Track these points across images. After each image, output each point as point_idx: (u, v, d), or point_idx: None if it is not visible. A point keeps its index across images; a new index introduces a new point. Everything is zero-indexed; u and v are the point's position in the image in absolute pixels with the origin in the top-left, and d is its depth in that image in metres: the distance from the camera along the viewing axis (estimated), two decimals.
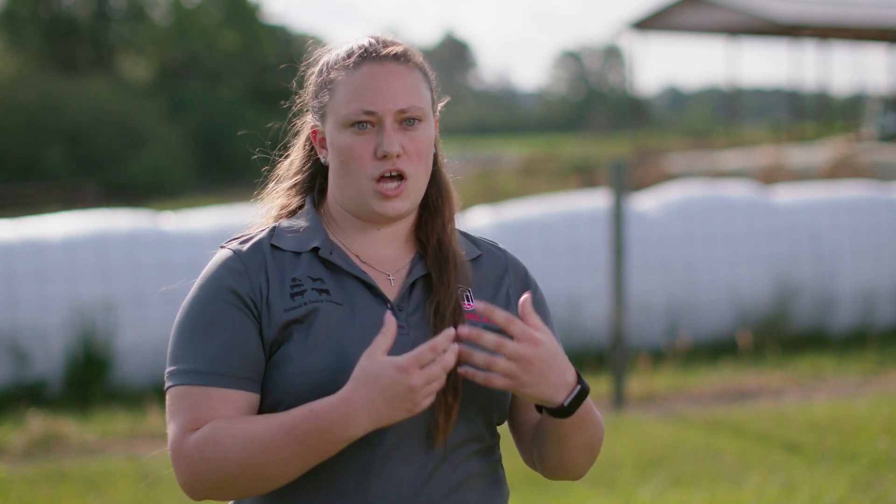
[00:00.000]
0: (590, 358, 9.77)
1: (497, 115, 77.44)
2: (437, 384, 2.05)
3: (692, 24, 35.27)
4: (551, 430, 2.24)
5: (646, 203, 10.70)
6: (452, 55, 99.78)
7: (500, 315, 2.09)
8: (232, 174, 35.73)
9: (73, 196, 29.12)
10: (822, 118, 39.50)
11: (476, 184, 28.38)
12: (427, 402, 2.05)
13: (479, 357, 2.08)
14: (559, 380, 2.14)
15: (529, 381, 2.11)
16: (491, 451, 2.31)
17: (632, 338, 9.62)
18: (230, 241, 2.31)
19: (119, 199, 28.29)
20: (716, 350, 10.07)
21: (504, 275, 2.42)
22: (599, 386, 8.95)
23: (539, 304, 2.39)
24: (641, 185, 18.89)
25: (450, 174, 2.40)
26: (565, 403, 2.16)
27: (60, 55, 46.85)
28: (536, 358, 2.11)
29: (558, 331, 2.44)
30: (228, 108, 41.98)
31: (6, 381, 9.00)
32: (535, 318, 2.14)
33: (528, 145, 46.54)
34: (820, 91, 40.50)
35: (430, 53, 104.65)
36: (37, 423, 8.02)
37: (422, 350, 2.04)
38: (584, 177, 27.23)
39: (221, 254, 2.28)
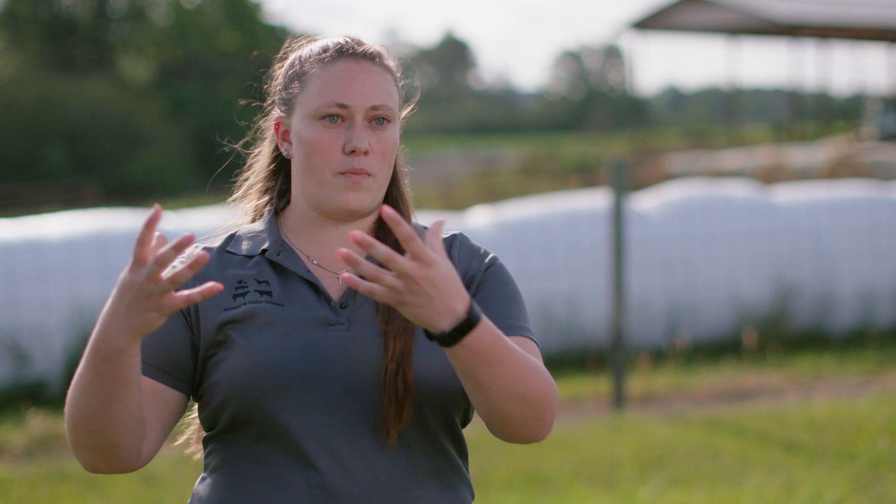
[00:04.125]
0: (590, 358, 9.78)
1: (497, 115, 77.38)
2: (167, 284, 1.95)
3: (692, 24, 35.27)
4: (458, 369, 2.10)
5: (646, 203, 10.70)
6: (452, 55, 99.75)
7: (379, 251, 1.95)
8: (232, 174, 35.65)
9: (73, 196, 29.13)
10: (822, 118, 39.51)
11: (476, 184, 28.38)
12: (177, 300, 1.96)
13: (365, 268, 1.97)
14: (445, 307, 2.01)
15: (412, 301, 1.99)
16: (445, 451, 2.29)
17: (632, 338, 9.62)
18: (192, 245, 2.34)
19: (119, 199, 28.30)
20: (716, 350, 10.08)
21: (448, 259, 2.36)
22: (599, 386, 8.96)
23: (492, 277, 2.34)
24: (641, 185, 18.89)
25: (406, 180, 2.42)
26: (447, 330, 2.02)
27: (60, 55, 46.85)
28: (424, 279, 1.98)
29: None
30: (228, 108, 41.98)
31: (6, 381, 9.00)
32: (437, 243, 2.01)
33: (528, 145, 46.54)
34: (820, 91, 40.50)
35: (430, 53, 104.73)
36: (37, 422, 8.03)
37: (135, 246, 1.97)
38: (584, 177, 27.24)
39: (178, 258, 2.33)
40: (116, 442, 2.15)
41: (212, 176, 2.54)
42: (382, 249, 1.95)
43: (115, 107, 40.54)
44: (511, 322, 2.29)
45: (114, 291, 2.02)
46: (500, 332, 2.11)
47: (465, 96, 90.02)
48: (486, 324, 2.06)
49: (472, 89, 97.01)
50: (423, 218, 9.35)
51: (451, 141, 57.98)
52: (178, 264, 2.31)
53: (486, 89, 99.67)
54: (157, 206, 1.96)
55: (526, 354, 2.17)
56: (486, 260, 2.36)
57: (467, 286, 2.32)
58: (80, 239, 9.40)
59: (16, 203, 28.13)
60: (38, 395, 8.97)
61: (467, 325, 2.03)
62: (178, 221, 10.08)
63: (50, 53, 46.87)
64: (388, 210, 1.96)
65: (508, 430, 2.20)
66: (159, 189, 35.28)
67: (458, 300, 2.02)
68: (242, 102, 2.52)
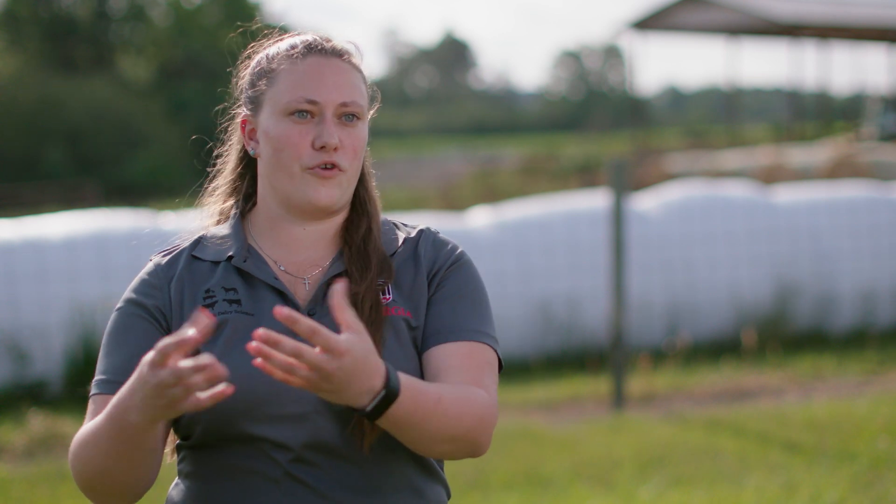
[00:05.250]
0: (590, 358, 9.78)
1: (497, 115, 77.36)
2: (197, 380, 1.92)
3: (692, 24, 35.27)
4: (383, 426, 2.10)
5: (646, 203, 10.70)
6: (452, 55, 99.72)
7: (303, 326, 1.93)
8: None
9: (73, 196, 29.13)
10: (822, 118, 39.49)
11: (476, 184, 28.39)
12: (189, 403, 1.94)
13: (279, 359, 1.94)
14: (363, 387, 2.00)
15: (328, 388, 1.98)
16: (417, 459, 2.28)
17: (632, 338, 9.62)
18: (159, 252, 2.34)
19: (119, 199, 28.30)
20: (716, 350, 10.08)
21: (414, 255, 2.33)
22: (599, 386, 8.96)
23: (455, 275, 2.31)
24: (641, 185, 18.89)
25: (373, 180, 2.39)
26: (368, 409, 2.03)
27: (60, 55, 46.85)
28: (338, 370, 1.96)
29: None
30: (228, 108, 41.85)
31: (6, 381, 9.00)
32: (345, 316, 1.98)
33: (528, 145, 46.54)
34: (820, 91, 40.48)
35: (430, 53, 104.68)
36: (37, 422, 8.03)
37: (164, 343, 1.94)
38: (584, 177, 27.25)
39: (146, 266, 2.32)
40: (143, 487, 2.21)
41: (206, 176, 2.53)
42: (288, 345, 1.94)
43: (115, 107, 40.55)
44: (466, 326, 2.26)
45: (135, 377, 2.01)
46: (422, 388, 2.10)
47: (465, 96, 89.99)
48: (406, 389, 2.06)
49: (472, 89, 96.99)
50: (423, 218, 9.29)
51: (451, 141, 57.95)
52: (145, 276, 2.31)
53: (486, 89, 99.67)
54: (193, 332, 1.94)
55: (457, 393, 2.16)
56: (453, 255, 2.33)
57: (430, 281, 2.29)
58: (80, 239, 9.40)
59: (16, 203, 28.13)
60: (38, 395, 8.96)
61: (386, 400, 2.03)
62: (177, 221, 10.08)
63: (50, 53, 46.87)
64: (281, 310, 1.93)
65: (445, 458, 2.24)
66: (159, 189, 35.28)
67: (375, 377, 2.02)
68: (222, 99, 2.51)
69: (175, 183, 36.90)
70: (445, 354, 2.23)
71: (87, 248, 9.33)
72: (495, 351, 2.29)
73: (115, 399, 2.06)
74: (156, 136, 40.20)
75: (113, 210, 11.02)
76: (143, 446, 2.10)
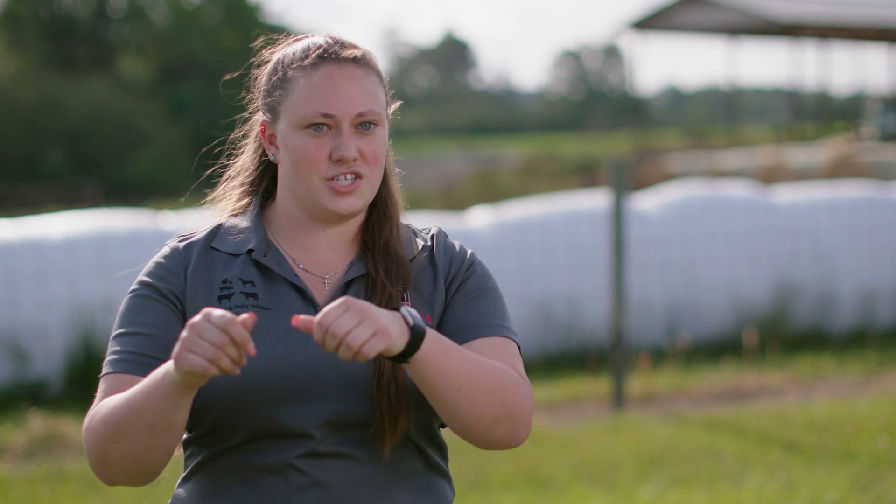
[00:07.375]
0: (590, 358, 9.78)
1: (497, 115, 77.35)
2: (216, 347, 1.96)
3: (692, 24, 35.28)
4: (425, 379, 2.12)
5: (646, 203, 10.70)
6: (452, 55, 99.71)
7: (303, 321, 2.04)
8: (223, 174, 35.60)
9: (73, 196, 29.13)
10: (822, 118, 39.49)
11: (476, 184, 28.41)
12: (195, 359, 1.97)
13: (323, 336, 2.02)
14: (384, 314, 2.06)
15: (359, 315, 2.02)
16: (425, 454, 2.29)
17: (632, 338, 9.61)
18: (175, 238, 2.35)
19: (119, 199, 28.30)
20: (716, 350, 10.08)
21: (431, 261, 2.35)
22: (599, 386, 8.96)
23: (472, 278, 2.34)
24: (641, 185, 18.89)
25: (397, 179, 2.40)
26: (411, 324, 2.07)
27: (60, 55, 46.85)
28: (348, 303, 2.02)
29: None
30: (228, 108, 41.87)
31: (6, 381, 8.99)
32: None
33: (528, 145, 46.57)
34: (820, 91, 40.48)
35: (430, 53, 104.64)
36: (37, 422, 8.02)
37: (222, 313, 1.98)
38: (584, 177, 27.26)
39: (162, 251, 2.32)
40: (162, 465, 2.20)
41: (211, 176, 2.53)
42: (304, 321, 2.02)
43: (115, 107, 40.57)
44: (490, 322, 2.29)
45: (183, 332, 2.02)
46: (456, 347, 2.15)
47: (465, 96, 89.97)
48: (436, 336, 2.11)
49: (472, 89, 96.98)
50: (423, 218, 9.28)
51: (451, 141, 57.96)
52: (161, 259, 2.31)
53: (486, 89, 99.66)
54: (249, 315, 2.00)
55: (493, 362, 2.19)
56: (465, 259, 2.35)
57: (448, 286, 2.32)
58: (80, 239, 9.39)
59: (16, 203, 28.13)
60: (38, 395, 8.96)
61: (414, 320, 2.07)
62: (178, 221, 10.08)
63: (50, 53, 46.88)
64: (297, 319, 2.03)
65: (483, 431, 2.19)
66: (159, 189, 35.28)
67: (397, 317, 2.08)
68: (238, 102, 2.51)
69: (175, 183, 36.93)
70: (473, 349, 2.24)
71: (87, 248, 9.33)
72: (517, 345, 2.31)
73: (156, 370, 2.07)
74: (156, 136, 40.21)
75: (113, 210, 11.02)
76: (174, 416, 2.09)
